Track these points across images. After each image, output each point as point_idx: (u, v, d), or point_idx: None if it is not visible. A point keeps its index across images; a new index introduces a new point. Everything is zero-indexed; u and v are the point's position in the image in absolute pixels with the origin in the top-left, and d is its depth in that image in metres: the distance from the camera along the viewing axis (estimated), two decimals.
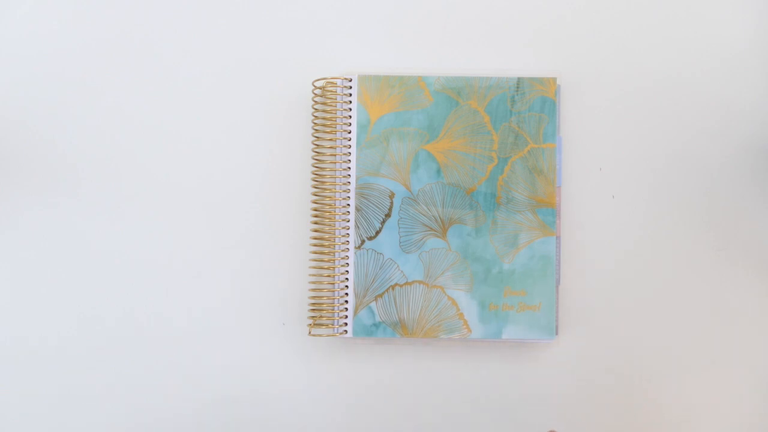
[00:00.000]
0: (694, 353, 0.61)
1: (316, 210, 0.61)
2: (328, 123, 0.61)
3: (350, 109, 0.61)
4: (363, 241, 0.60)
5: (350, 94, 0.61)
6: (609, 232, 0.62)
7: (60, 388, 0.62)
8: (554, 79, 0.60)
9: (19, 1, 0.64)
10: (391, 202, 0.60)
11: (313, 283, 0.60)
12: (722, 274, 0.62)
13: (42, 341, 0.63)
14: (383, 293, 0.60)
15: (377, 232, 0.60)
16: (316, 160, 0.61)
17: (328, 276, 0.60)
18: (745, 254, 0.62)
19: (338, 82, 0.61)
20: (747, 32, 0.63)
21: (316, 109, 0.61)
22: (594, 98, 0.63)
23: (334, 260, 0.60)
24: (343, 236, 0.61)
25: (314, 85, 0.61)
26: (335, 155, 0.61)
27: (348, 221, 0.61)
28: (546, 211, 0.60)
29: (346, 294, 0.60)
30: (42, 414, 0.62)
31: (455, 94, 0.61)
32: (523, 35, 0.63)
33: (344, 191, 0.61)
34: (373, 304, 0.60)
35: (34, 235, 0.63)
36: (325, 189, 0.61)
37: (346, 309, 0.60)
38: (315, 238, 0.60)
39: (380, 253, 0.60)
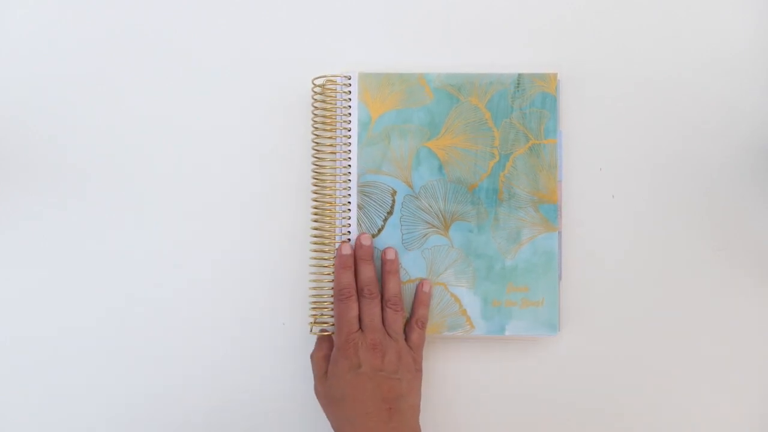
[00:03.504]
0: (694, 351, 0.62)
1: (316, 208, 0.61)
2: (328, 121, 0.61)
3: (350, 107, 0.61)
4: None
5: (350, 92, 0.61)
6: (610, 229, 0.62)
7: (60, 388, 0.62)
8: (555, 75, 0.60)
9: (20, 1, 0.64)
10: (393, 200, 0.60)
11: (314, 281, 0.60)
12: (722, 274, 0.62)
13: (42, 340, 0.62)
14: None
15: (379, 230, 0.60)
16: (316, 158, 0.61)
17: (329, 274, 0.60)
18: (745, 254, 0.62)
19: (338, 79, 0.61)
20: (747, 32, 0.63)
21: (315, 107, 0.61)
22: (594, 96, 0.63)
23: (334, 258, 0.60)
24: (343, 234, 0.60)
25: (314, 83, 0.60)
26: (335, 153, 0.61)
27: (348, 219, 0.60)
28: (548, 207, 0.60)
29: None
30: (42, 413, 0.62)
31: (456, 90, 0.61)
32: (523, 32, 0.63)
33: (344, 189, 0.61)
34: None
35: (34, 234, 0.63)
36: (325, 187, 0.61)
37: None
38: (315, 236, 0.60)
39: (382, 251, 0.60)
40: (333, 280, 0.60)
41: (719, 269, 0.62)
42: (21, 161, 0.63)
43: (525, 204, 0.60)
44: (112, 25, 0.64)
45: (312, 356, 0.59)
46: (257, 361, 0.62)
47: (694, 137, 0.63)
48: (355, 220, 0.60)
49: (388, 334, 0.58)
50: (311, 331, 0.60)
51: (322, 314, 0.60)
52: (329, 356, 0.58)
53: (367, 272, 0.59)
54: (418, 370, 0.58)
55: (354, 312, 0.58)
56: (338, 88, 0.61)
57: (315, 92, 0.61)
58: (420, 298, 0.60)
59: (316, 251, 0.60)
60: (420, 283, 0.60)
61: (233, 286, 0.62)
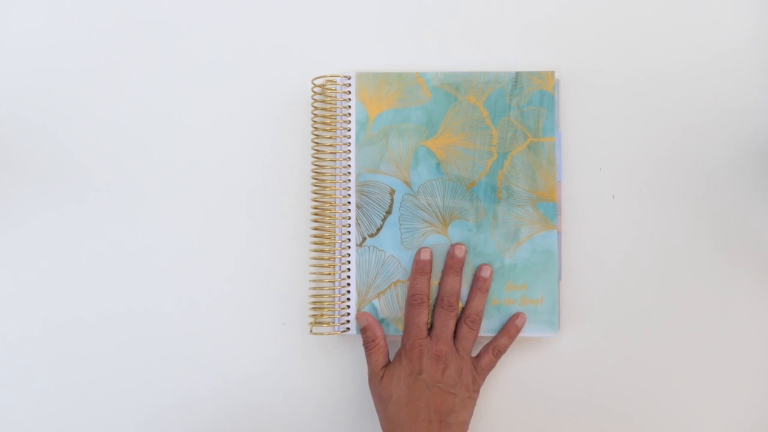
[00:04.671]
0: (694, 351, 0.61)
1: (316, 208, 0.61)
2: (328, 121, 0.61)
3: (350, 107, 0.61)
4: (364, 239, 0.60)
5: (350, 92, 0.61)
6: (610, 229, 0.62)
7: (61, 388, 0.62)
8: (552, 73, 0.61)
9: None
10: (392, 199, 0.60)
11: (314, 281, 0.60)
12: (722, 274, 0.62)
13: (39, 340, 0.63)
14: (385, 290, 0.60)
15: (378, 229, 0.60)
16: (316, 158, 0.61)
17: (329, 274, 0.60)
18: (745, 254, 0.62)
19: (338, 80, 0.61)
20: (747, 31, 0.63)
21: (315, 107, 0.61)
22: (594, 95, 0.63)
23: (334, 258, 0.60)
24: (343, 234, 0.61)
25: (314, 83, 0.61)
26: (335, 153, 0.61)
27: (348, 219, 0.61)
28: (547, 205, 0.60)
29: (348, 292, 0.60)
30: (39, 414, 0.62)
31: (453, 89, 0.61)
32: (521, 30, 0.63)
33: (344, 189, 0.61)
34: (375, 301, 0.60)
35: (34, 233, 0.63)
36: (325, 187, 0.61)
37: (348, 307, 0.60)
38: (315, 236, 0.60)
39: (382, 250, 0.60)
40: (333, 281, 0.60)
41: (719, 269, 0.62)
42: (21, 157, 0.63)
43: (524, 202, 0.60)
44: (112, 27, 0.64)
45: (368, 347, 0.59)
46: (257, 361, 0.62)
47: (694, 137, 0.63)
48: (355, 220, 0.60)
49: (456, 348, 0.58)
50: (311, 331, 0.60)
51: (322, 314, 0.60)
52: (386, 351, 0.59)
53: (453, 283, 0.59)
54: (476, 391, 0.58)
55: (424, 318, 0.58)
56: (338, 88, 0.61)
57: (315, 92, 0.61)
58: (509, 329, 0.59)
59: (316, 251, 0.60)
60: (515, 315, 0.60)
61: (233, 286, 0.63)
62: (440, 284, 0.59)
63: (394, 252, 0.60)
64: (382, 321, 0.60)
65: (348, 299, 0.60)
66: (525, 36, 0.63)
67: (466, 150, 0.61)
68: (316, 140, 0.61)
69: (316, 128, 0.61)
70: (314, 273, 0.60)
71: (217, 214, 0.63)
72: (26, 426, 0.62)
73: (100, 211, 0.63)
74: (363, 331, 0.59)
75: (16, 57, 0.64)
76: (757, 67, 0.63)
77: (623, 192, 0.62)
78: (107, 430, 0.62)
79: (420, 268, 0.59)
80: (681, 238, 0.62)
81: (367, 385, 0.60)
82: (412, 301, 0.58)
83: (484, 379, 0.59)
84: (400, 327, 0.60)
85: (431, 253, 0.60)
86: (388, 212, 0.61)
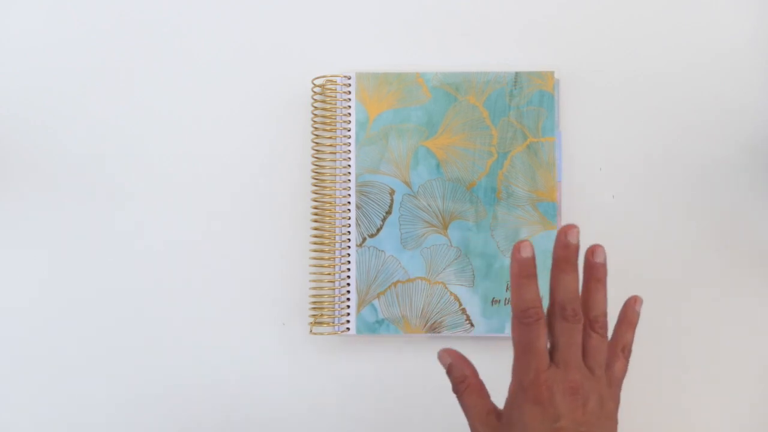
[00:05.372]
0: (694, 352, 0.61)
1: (316, 209, 0.61)
2: (328, 121, 0.61)
3: (350, 107, 0.61)
4: (364, 239, 0.60)
5: (350, 92, 0.61)
6: (610, 229, 0.62)
7: (60, 389, 0.62)
8: (552, 73, 0.61)
9: None
10: (392, 199, 0.61)
11: (314, 281, 0.60)
12: (722, 273, 0.62)
13: (42, 340, 0.63)
14: (385, 290, 0.60)
15: (378, 230, 0.60)
16: (316, 158, 0.61)
17: (329, 274, 0.60)
18: (745, 254, 0.62)
19: (338, 80, 0.61)
20: (747, 31, 0.63)
21: (315, 107, 0.61)
22: (594, 95, 0.63)
23: (334, 258, 0.60)
24: (343, 234, 0.61)
25: (314, 83, 0.61)
26: (335, 153, 0.61)
27: (348, 219, 0.61)
28: (546, 205, 0.60)
29: (348, 292, 0.60)
30: (42, 412, 0.62)
31: (453, 89, 0.61)
32: (521, 30, 0.63)
33: (344, 189, 0.61)
34: (375, 302, 0.60)
35: (33, 232, 0.63)
36: (325, 187, 0.61)
37: (348, 307, 0.60)
38: (315, 236, 0.61)
39: (382, 251, 0.60)
40: (333, 281, 0.60)
41: (719, 269, 0.62)
42: (21, 157, 0.63)
43: (523, 202, 0.60)
44: (112, 27, 0.64)
45: (458, 390, 0.47)
46: (257, 361, 0.62)
47: (694, 137, 0.62)
48: (355, 220, 0.60)
49: (589, 369, 0.44)
50: (311, 331, 0.60)
51: (322, 314, 0.60)
52: (484, 390, 0.46)
53: (571, 283, 0.44)
54: (616, 421, 0.45)
55: (544, 340, 0.43)
56: (338, 88, 0.61)
57: (315, 92, 0.61)
58: (629, 317, 0.48)
59: (316, 251, 0.60)
60: (630, 299, 0.48)
61: (233, 286, 0.62)
62: (552, 287, 0.45)
63: (394, 252, 0.60)
64: (382, 321, 0.60)
65: (348, 299, 0.60)
66: (525, 36, 0.63)
67: (466, 150, 0.61)
68: (316, 140, 0.61)
69: (316, 128, 0.61)
70: (314, 273, 0.60)
71: (217, 214, 0.63)
72: (26, 426, 0.62)
73: (100, 211, 0.63)
74: (449, 371, 0.47)
75: (16, 57, 0.64)
76: (757, 67, 0.63)
77: (623, 192, 0.62)
78: (106, 430, 0.62)
79: (524, 270, 0.43)
80: (681, 239, 0.62)
81: (369, 383, 0.59)
82: (526, 318, 0.43)
83: (619, 395, 0.46)
84: (401, 327, 0.60)
85: (532, 248, 0.44)
86: (388, 212, 0.61)
